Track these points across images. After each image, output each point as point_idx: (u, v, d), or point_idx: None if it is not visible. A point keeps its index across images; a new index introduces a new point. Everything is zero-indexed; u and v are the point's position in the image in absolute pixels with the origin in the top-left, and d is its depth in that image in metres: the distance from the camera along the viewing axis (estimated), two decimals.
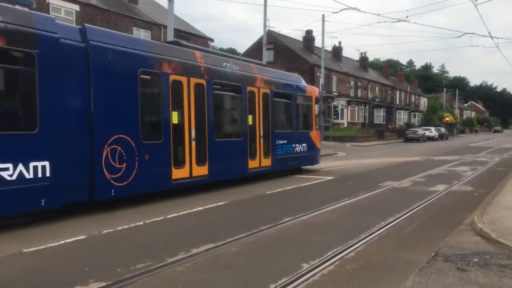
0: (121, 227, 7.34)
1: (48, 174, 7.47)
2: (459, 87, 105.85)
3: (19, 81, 7.69)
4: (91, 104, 8.31)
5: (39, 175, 7.35)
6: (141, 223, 7.73)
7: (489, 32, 65.78)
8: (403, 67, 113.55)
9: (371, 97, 57.82)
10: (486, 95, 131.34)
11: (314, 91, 16.99)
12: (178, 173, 10.19)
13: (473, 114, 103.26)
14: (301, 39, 50.55)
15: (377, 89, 61.20)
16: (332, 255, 5.77)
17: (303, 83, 16.50)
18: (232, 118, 12.86)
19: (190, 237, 6.78)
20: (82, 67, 8.21)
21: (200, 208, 9.09)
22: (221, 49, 74.97)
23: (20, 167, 7.09)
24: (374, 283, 4.88)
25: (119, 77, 8.91)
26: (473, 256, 5.73)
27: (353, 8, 26.85)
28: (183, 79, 10.44)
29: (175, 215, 8.43)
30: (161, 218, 8.15)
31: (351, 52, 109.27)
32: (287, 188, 12.12)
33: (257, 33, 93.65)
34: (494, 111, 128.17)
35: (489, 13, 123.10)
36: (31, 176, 7.23)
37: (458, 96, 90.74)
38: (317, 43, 48.65)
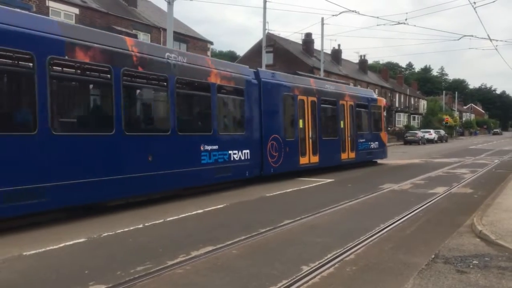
0: (121, 230, 7.35)
1: (248, 157, 12.71)
2: (458, 89, 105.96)
3: (238, 105, 12.93)
4: (262, 116, 13.47)
5: (246, 157, 12.61)
6: (141, 225, 7.74)
7: (488, 35, 65.96)
8: (403, 69, 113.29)
9: None
10: (485, 97, 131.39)
11: (382, 101, 22.05)
12: (302, 160, 15.27)
13: (473, 116, 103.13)
14: (300, 42, 50.47)
15: (376, 91, 60.97)
16: (332, 258, 5.77)
17: (374, 95, 21.81)
18: (331, 123, 17.50)
19: (190, 239, 6.79)
20: (258, 94, 13.44)
21: (200, 211, 9.10)
22: (220, 52, 74.78)
23: (240, 152, 12.35)
24: (374, 286, 4.88)
25: (273, 99, 14.10)
26: (472, 258, 5.73)
27: (353, 11, 26.68)
28: (305, 98, 15.52)
29: (175, 217, 8.44)
30: (160, 220, 8.16)
31: (350, 55, 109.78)
32: (287, 190, 12.14)
33: (257, 36, 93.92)
34: (493, 114, 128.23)
35: (488, 15, 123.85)
36: (243, 158, 12.52)
37: (457, 98, 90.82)
38: (317, 46, 48.63)
